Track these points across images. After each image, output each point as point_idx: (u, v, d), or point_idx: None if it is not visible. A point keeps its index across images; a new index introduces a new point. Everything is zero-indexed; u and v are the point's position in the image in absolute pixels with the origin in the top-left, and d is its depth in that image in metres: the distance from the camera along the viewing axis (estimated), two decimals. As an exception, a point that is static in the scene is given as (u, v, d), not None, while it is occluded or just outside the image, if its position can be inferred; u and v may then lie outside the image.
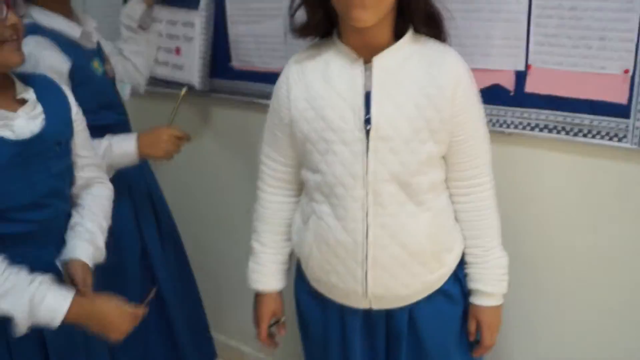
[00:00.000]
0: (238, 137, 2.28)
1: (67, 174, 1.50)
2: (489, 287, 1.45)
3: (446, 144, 1.36)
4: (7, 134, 1.32)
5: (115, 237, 1.67)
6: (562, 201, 1.59)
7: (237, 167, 2.32)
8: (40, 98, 1.42)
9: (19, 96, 1.39)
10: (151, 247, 2.02)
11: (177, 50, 2.18)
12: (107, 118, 1.82)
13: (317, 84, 1.37)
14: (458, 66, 1.35)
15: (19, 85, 1.40)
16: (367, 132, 1.31)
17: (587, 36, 1.43)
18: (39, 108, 1.40)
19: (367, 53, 1.33)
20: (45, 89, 1.46)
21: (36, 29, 1.70)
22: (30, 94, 1.41)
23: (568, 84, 1.48)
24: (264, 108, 2.04)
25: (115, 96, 1.93)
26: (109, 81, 1.89)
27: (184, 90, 1.92)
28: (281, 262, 1.59)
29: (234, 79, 2.17)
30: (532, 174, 1.62)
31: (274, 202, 1.55)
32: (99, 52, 1.87)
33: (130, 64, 2.03)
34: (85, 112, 1.70)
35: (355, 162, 1.33)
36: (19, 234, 1.38)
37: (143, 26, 2.01)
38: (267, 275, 1.58)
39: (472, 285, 1.47)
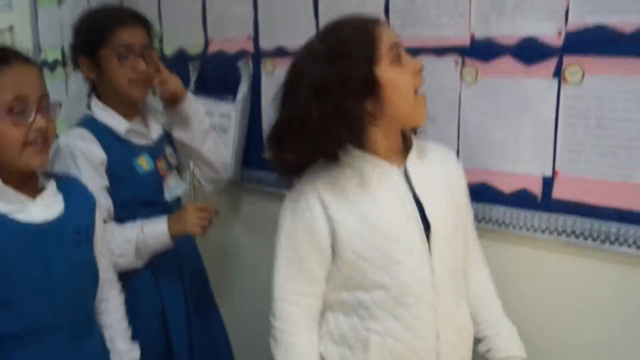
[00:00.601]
0: (268, 227, 2.28)
1: (89, 267, 1.47)
2: (518, 350, 1.48)
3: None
4: (20, 217, 1.33)
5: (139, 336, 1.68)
6: (590, 307, 1.55)
7: (267, 256, 2.31)
8: (61, 189, 1.43)
9: (41, 186, 1.41)
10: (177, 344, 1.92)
11: (213, 141, 2.24)
12: (143, 215, 1.80)
13: (362, 199, 1.33)
14: (455, 157, 1.54)
15: (42, 178, 1.43)
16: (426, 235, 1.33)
17: (613, 145, 1.44)
18: (59, 197, 1.42)
19: (390, 158, 1.37)
20: (67, 182, 1.48)
21: (88, 121, 1.81)
22: (51, 184, 1.42)
23: (595, 191, 1.48)
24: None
25: (159, 195, 1.89)
26: (157, 179, 1.87)
27: (191, 165, 1.90)
28: None
29: (266, 170, 2.19)
30: (560, 279, 1.59)
31: (307, 343, 1.40)
32: (154, 149, 1.88)
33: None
34: (121, 207, 1.78)
35: (421, 268, 1.32)
36: (25, 334, 1.34)
37: (178, 126, 1.96)
38: None
39: (502, 354, 1.47)
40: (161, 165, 1.88)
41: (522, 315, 1.61)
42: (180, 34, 2.39)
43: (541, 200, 1.57)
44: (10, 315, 1.32)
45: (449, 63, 1.66)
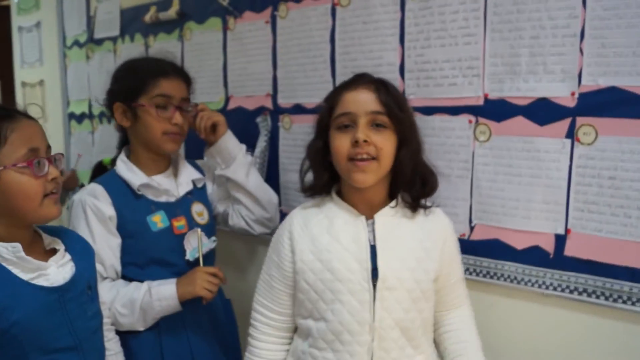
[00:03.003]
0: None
1: (99, 316, 1.47)
2: None
3: (435, 282, 1.44)
4: (43, 282, 1.30)
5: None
6: (601, 367, 1.49)
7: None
8: (67, 247, 1.41)
9: (49, 247, 1.38)
10: None
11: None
12: (155, 275, 1.70)
13: (323, 237, 1.41)
14: (445, 221, 1.50)
15: (45, 237, 1.40)
16: (374, 282, 1.36)
17: (626, 205, 1.39)
18: (67, 256, 1.39)
19: (365, 209, 1.43)
20: (69, 238, 1.45)
21: (107, 176, 1.74)
22: (59, 244, 1.40)
23: (608, 250, 1.43)
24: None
25: (172, 254, 1.74)
26: (171, 238, 1.73)
27: (199, 231, 1.74)
28: None
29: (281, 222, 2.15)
30: (570, 337, 1.53)
31: (267, 349, 1.51)
32: (173, 206, 1.76)
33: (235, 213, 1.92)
34: (132, 265, 1.70)
35: (362, 311, 1.36)
36: None
37: (220, 162, 1.86)
38: None
39: None
40: (177, 223, 1.75)
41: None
42: (202, 90, 2.38)
43: (553, 258, 1.52)
44: None
45: (463, 122, 1.63)
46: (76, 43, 3.11)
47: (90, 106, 3.06)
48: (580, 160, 1.45)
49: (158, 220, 1.72)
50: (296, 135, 2.06)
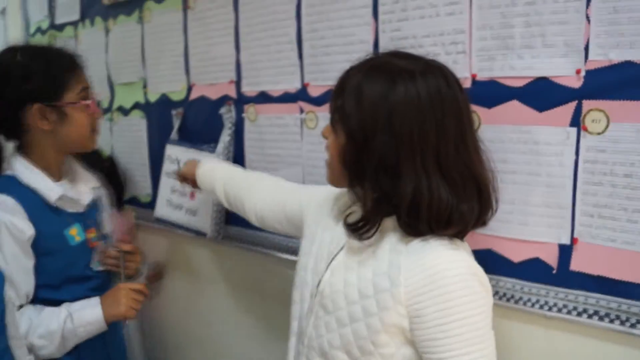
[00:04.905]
0: (250, 287, 2.06)
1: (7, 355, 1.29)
2: None
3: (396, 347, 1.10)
4: None
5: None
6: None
7: (245, 316, 2.10)
8: None
9: None
10: None
11: (192, 195, 2.00)
12: (73, 293, 1.57)
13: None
14: (435, 267, 1.05)
15: None
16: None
17: (645, 210, 1.18)
18: None
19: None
20: None
21: (11, 185, 1.52)
22: None
23: (623, 264, 1.21)
24: (278, 261, 1.87)
25: (88, 269, 1.64)
26: (87, 252, 1.63)
27: (124, 247, 1.67)
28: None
29: (249, 228, 1.93)
30: (577, 366, 1.33)
31: None
32: (86, 216, 1.65)
33: None
34: (46, 286, 1.53)
35: (302, 319, 1.27)
36: None
37: None
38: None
39: None
40: (91, 235, 1.64)
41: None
42: (163, 78, 2.19)
43: (557, 273, 1.31)
44: None
45: (447, 108, 1.40)
46: (39, 30, 2.95)
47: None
48: (589, 154, 1.24)
49: (75, 234, 1.61)
50: (262, 128, 1.86)
